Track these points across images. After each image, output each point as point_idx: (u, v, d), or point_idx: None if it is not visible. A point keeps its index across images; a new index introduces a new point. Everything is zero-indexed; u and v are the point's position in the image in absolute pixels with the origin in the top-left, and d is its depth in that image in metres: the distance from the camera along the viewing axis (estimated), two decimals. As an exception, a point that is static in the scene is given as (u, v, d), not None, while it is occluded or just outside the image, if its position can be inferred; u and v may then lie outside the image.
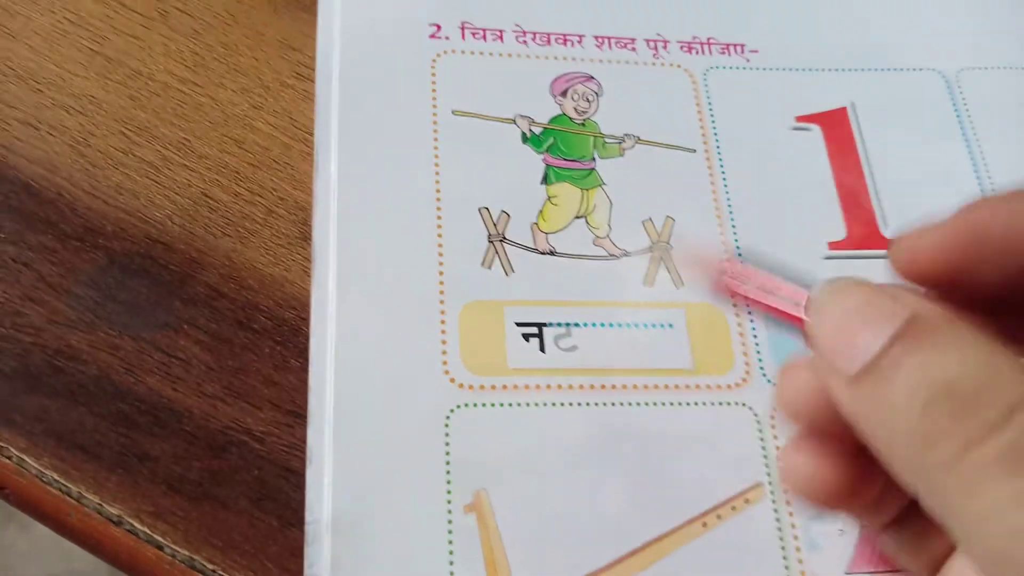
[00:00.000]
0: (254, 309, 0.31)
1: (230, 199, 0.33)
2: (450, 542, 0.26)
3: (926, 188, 0.34)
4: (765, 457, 0.29)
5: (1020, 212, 0.20)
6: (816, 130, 0.35)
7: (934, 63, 0.37)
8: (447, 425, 0.28)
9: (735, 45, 0.36)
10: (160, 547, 0.27)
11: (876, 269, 0.32)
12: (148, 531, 0.28)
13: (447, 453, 0.27)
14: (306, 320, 0.30)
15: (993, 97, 0.36)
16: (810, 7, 0.38)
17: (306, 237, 0.32)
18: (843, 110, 0.36)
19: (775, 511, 0.28)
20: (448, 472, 0.27)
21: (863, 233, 0.33)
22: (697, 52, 0.36)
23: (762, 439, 0.29)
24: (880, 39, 0.37)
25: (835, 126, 0.35)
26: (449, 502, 0.27)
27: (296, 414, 0.29)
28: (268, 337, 0.30)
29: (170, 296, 0.31)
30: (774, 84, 0.36)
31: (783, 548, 0.28)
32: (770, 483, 0.29)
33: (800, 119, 0.35)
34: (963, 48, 0.38)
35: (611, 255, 0.32)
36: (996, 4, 0.39)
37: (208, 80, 0.35)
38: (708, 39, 0.36)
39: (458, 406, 0.28)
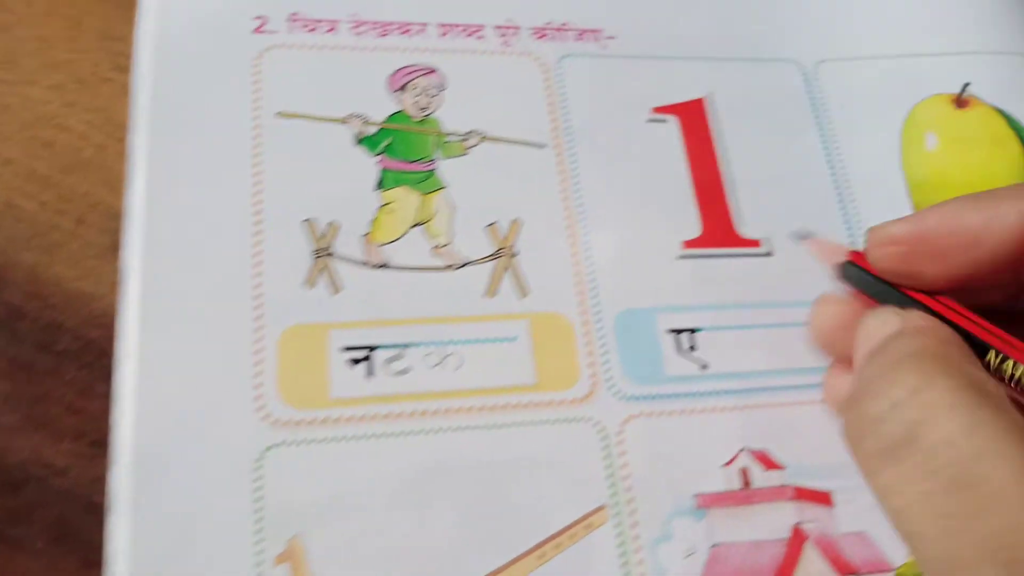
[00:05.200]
0: (57, 329, 0.28)
1: (36, 208, 0.30)
2: (263, 594, 0.24)
3: (782, 183, 0.33)
4: (610, 476, 0.28)
5: (957, 218, 0.22)
6: (673, 122, 0.34)
7: (793, 54, 0.36)
8: (258, 468, 0.26)
9: (591, 31, 0.34)
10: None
11: (729, 268, 0.31)
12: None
13: (258, 499, 0.25)
14: (113, 340, 0.27)
15: (849, 89, 0.35)
16: (668, -8, 0.36)
17: (117, 248, 0.29)
18: (700, 101, 0.34)
19: (619, 535, 0.27)
20: (259, 520, 0.25)
21: (719, 230, 0.32)
22: (551, 38, 0.34)
23: (607, 456, 0.28)
24: (741, 28, 0.36)
25: (692, 118, 0.34)
26: (260, 552, 0.25)
27: (100, 444, 0.27)
28: (72, 360, 0.28)
29: (-39, 324, 0.28)
30: (631, 73, 0.34)
31: (627, 575, 0.27)
32: (615, 504, 0.27)
33: (657, 110, 0.34)
34: (822, 39, 0.36)
35: (451, 265, 0.30)
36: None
37: (19, 77, 0.32)
38: (563, 24, 0.34)
39: (271, 446, 0.26)
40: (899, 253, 0.24)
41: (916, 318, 0.23)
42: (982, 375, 0.20)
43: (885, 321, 0.23)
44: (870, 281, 0.25)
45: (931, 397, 0.19)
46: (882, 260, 0.24)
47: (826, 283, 0.32)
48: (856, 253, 0.26)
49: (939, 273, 0.23)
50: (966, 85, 0.37)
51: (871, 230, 0.24)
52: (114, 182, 0.30)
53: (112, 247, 0.29)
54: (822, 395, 0.28)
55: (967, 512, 0.18)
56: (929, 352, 0.21)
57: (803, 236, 0.28)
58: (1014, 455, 0.18)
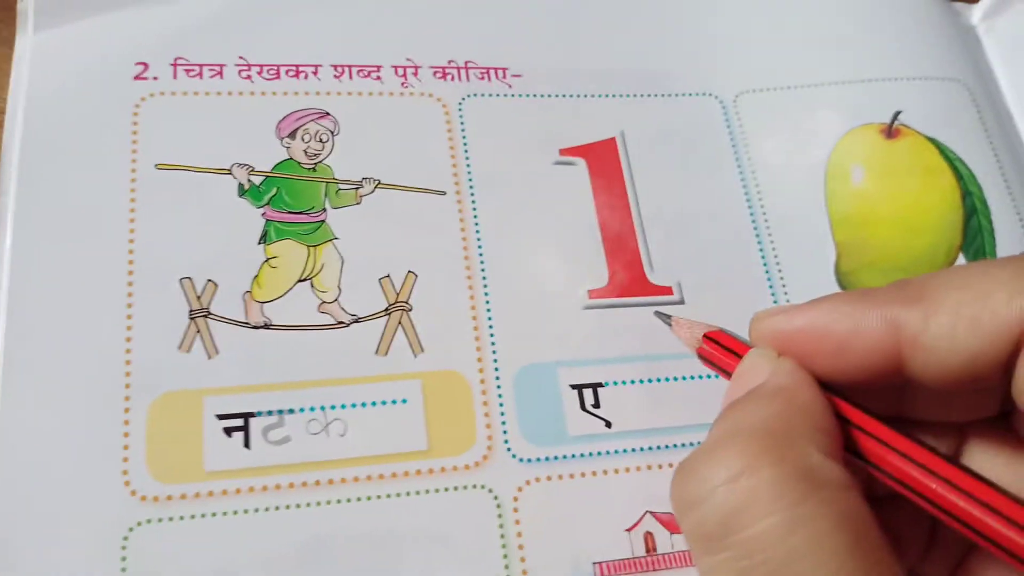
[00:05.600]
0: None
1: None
2: None
3: (697, 224, 0.32)
4: (504, 547, 0.26)
5: (826, 322, 0.21)
6: (581, 164, 0.32)
7: (710, 87, 0.34)
8: (124, 547, 0.24)
9: (496, 69, 0.33)
10: None
11: (637, 318, 0.30)
12: None
13: (123, 581, 0.24)
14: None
15: (770, 121, 0.34)
16: (579, 29, 0.34)
17: (-18, 316, 0.27)
18: (612, 140, 0.33)
19: (514, 609, 0.26)
20: (123, 603, 0.24)
21: (627, 278, 0.31)
22: (453, 78, 0.33)
23: (502, 525, 0.27)
24: (655, 62, 0.34)
25: (602, 159, 0.32)
26: (121, 641, 0.23)
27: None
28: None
29: None
30: (538, 113, 0.33)
31: (520, 651, 0.25)
32: (509, 577, 0.26)
33: (564, 152, 0.32)
34: (740, 69, 0.35)
35: (339, 322, 0.28)
36: (790, 23, 0.36)
37: None
38: (466, 63, 0.33)
39: (139, 523, 0.24)
40: (774, 348, 0.22)
41: (783, 373, 0.21)
42: (818, 460, 0.19)
43: (754, 367, 0.22)
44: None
45: (751, 486, 0.18)
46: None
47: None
48: (714, 334, 0.24)
49: (816, 370, 0.21)
50: (897, 114, 0.35)
51: (753, 319, 0.23)
52: (-19, 243, 0.28)
53: (-24, 313, 0.27)
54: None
55: None
56: (765, 429, 0.19)
57: (667, 318, 0.26)
58: (832, 559, 0.17)
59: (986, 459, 0.22)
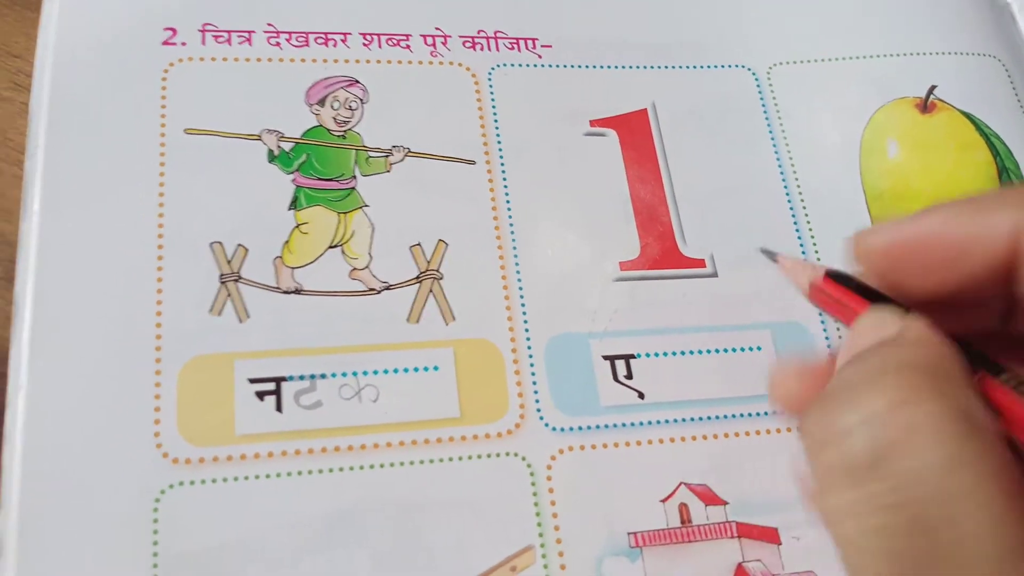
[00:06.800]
0: (-53, 367, 0.26)
1: (-70, 236, 0.28)
2: (151, 650, 0.23)
3: (731, 197, 0.31)
4: (538, 515, 0.26)
5: (941, 228, 0.20)
6: (612, 135, 0.32)
7: (744, 59, 0.34)
8: (156, 510, 0.24)
9: (526, 40, 0.33)
10: None
11: (670, 291, 0.29)
12: None
13: (155, 542, 0.24)
14: (5, 376, 0.26)
15: (805, 94, 0.33)
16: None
17: (11, 278, 0.27)
18: (643, 112, 0.32)
19: (546, 577, 0.25)
20: (155, 565, 0.23)
21: (659, 250, 0.30)
22: (482, 48, 0.32)
23: (535, 493, 0.26)
24: (687, 33, 0.34)
25: (633, 130, 0.32)
26: (153, 602, 0.23)
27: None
28: (-39, 399, 0.26)
29: None
30: (568, 83, 0.32)
31: (553, 620, 0.25)
32: (542, 545, 0.26)
33: (594, 123, 0.32)
34: (775, 42, 0.34)
35: (370, 289, 0.28)
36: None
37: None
38: (495, 33, 0.33)
39: (171, 485, 0.24)
40: (878, 265, 0.21)
41: (918, 326, 0.19)
42: (978, 404, 0.17)
43: (882, 321, 0.20)
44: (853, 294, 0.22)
45: (913, 417, 0.17)
46: (861, 273, 0.22)
47: (776, 306, 0.30)
48: (828, 275, 0.23)
49: (922, 287, 0.20)
50: (932, 88, 0.35)
51: (854, 239, 0.21)
52: (9, 209, 0.28)
53: (5, 278, 0.27)
54: (770, 390, 0.25)
55: (925, 560, 0.16)
56: (924, 366, 0.18)
57: (773, 255, 0.25)
58: (994, 503, 0.16)
59: None
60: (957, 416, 0.17)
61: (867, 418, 0.17)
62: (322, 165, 0.29)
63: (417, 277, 0.28)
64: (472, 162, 0.30)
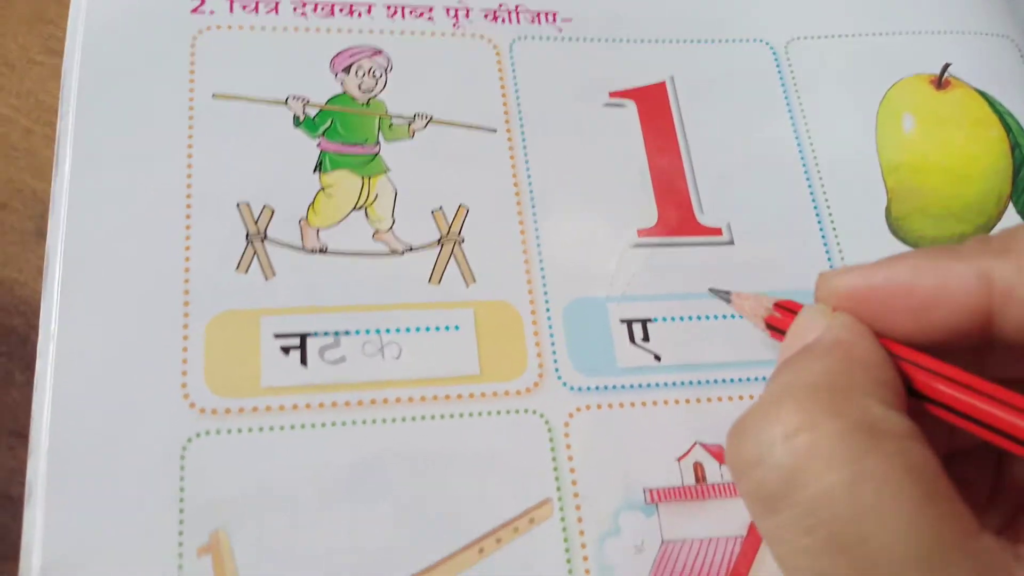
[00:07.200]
0: (-21, 319, 0.27)
1: (-36, 195, 0.29)
2: (178, 590, 0.23)
3: (748, 169, 0.32)
4: (555, 470, 0.26)
5: (910, 278, 0.20)
6: (631, 107, 0.32)
7: (763, 34, 0.34)
8: (183, 457, 0.24)
9: (546, 13, 0.33)
10: None
11: (687, 257, 0.30)
12: None
13: (181, 489, 0.24)
14: (36, 329, 0.26)
15: (822, 69, 0.34)
16: (629, -30, 0.34)
17: (43, 234, 0.28)
18: (662, 85, 0.33)
19: (563, 530, 0.26)
20: (182, 511, 0.24)
21: (677, 218, 0.31)
22: (503, 20, 0.33)
23: (553, 449, 0.27)
24: (706, 7, 0.34)
25: (652, 102, 0.32)
26: (181, 544, 0.24)
27: (19, 434, 0.26)
28: (-7, 349, 0.27)
29: None
30: (588, 56, 0.33)
31: (571, 572, 0.25)
32: (559, 498, 0.26)
33: (614, 95, 0.32)
34: (793, 17, 0.35)
35: (393, 251, 0.28)
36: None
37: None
38: (516, 6, 0.33)
39: (197, 434, 0.25)
40: (841, 308, 0.21)
41: (838, 327, 0.20)
42: (879, 411, 0.18)
43: (811, 320, 0.21)
44: None
45: (810, 442, 0.17)
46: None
47: (791, 274, 0.31)
48: (780, 304, 0.24)
49: (890, 331, 0.20)
50: (947, 66, 0.35)
51: (820, 278, 0.22)
52: (41, 167, 0.29)
53: (37, 233, 0.28)
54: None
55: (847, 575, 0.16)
56: (822, 384, 0.18)
57: (723, 295, 0.26)
58: (901, 513, 0.16)
59: None
60: (858, 431, 0.17)
61: (768, 449, 0.17)
62: (346, 131, 0.30)
63: (439, 240, 0.29)
64: (493, 130, 0.31)
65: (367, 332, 0.27)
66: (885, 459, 0.17)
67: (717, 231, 0.31)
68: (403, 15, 0.32)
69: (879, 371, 0.19)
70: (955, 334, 0.20)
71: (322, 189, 0.29)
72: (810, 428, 0.17)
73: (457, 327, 0.28)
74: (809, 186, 0.32)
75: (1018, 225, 0.20)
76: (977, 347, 0.21)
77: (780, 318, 0.23)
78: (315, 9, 0.31)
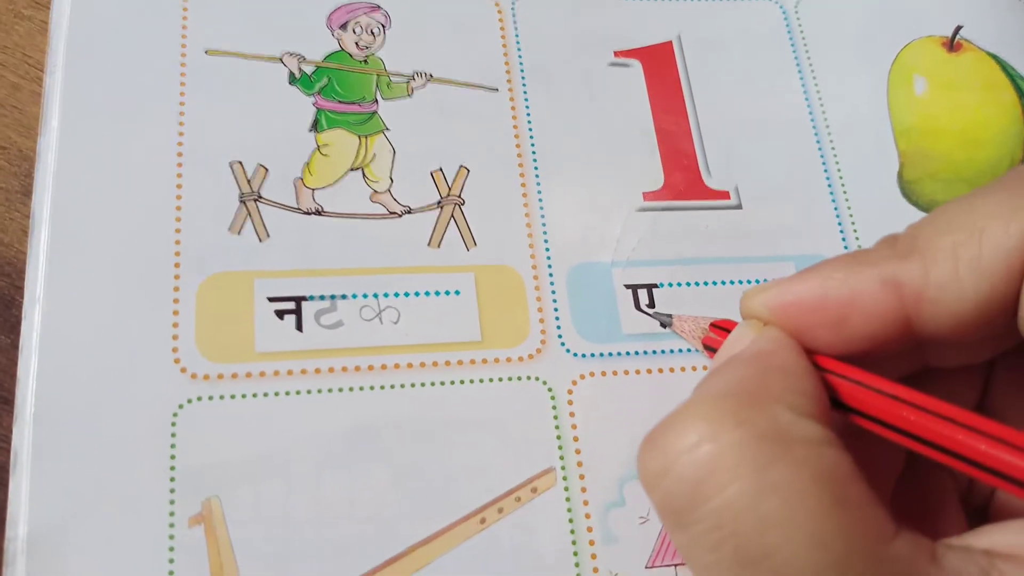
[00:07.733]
0: (-36, 281, 0.26)
1: (-52, 153, 0.28)
2: (171, 560, 0.22)
3: (757, 130, 0.31)
4: (559, 437, 0.26)
5: (820, 290, 0.19)
6: (636, 66, 0.31)
7: (772, -9, 0.33)
8: (174, 424, 0.24)
9: (550, -31, 0.32)
10: None
11: (694, 221, 0.29)
12: None
13: (172, 456, 0.23)
14: (21, 289, 0.25)
15: (833, 29, 0.33)
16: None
17: (29, 192, 0.27)
18: (668, 44, 0.32)
19: (567, 499, 0.25)
20: (173, 479, 0.23)
21: (683, 181, 0.30)
22: (506, -24, 0.32)
23: (556, 417, 0.26)
24: (712, -38, 0.33)
25: (658, 62, 0.31)
26: (172, 514, 0.23)
27: (4, 399, 0.25)
28: (-21, 313, 0.26)
29: None
30: (592, 13, 0.32)
31: (574, 543, 0.25)
32: (563, 467, 0.25)
33: (619, 54, 0.31)
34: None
35: (391, 212, 0.27)
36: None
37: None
38: (519, -39, 0.32)
39: (189, 400, 0.24)
40: (776, 324, 0.20)
41: (763, 340, 0.19)
42: (788, 419, 0.17)
43: (738, 337, 0.20)
44: None
45: (713, 452, 0.16)
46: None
47: (800, 239, 0.30)
48: (716, 324, 0.23)
49: (818, 344, 0.20)
50: (958, 28, 0.34)
51: (742, 297, 0.21)
52: (28, 124, 0.28)
53: (23, 192, 0.27)
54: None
55: None
56: (730, 393, 0.17)
57: (665, 322, 0.26)
58: (806, 525, 0.15)
59: (1018, 389, 0.21)
60: (763, 440, 0.16)
61: (676, 458, 0.17)
62: (343, 88, 0.29)
63: (438, 202, 0.28)
64: (495, 89, 0.30)
65: (364, 296, 0.26)
66: (792, 467, 0.16)
67: (725, 195, 0.30)
68: (401, -30, 0.31)
69: (796, 380, 0.18)
70: (879, 342, 0.19)
71: (318, 148, 0.28)
72: (712, 438, 0.16)
73: (457, 292, 0.27)
74: (819, 149, 0.31)
75: (921, 220, 0.19)
76: (914, 348, 0.20)
77: (715, 338, 0.23)
78: (310, -38, 0.30)
